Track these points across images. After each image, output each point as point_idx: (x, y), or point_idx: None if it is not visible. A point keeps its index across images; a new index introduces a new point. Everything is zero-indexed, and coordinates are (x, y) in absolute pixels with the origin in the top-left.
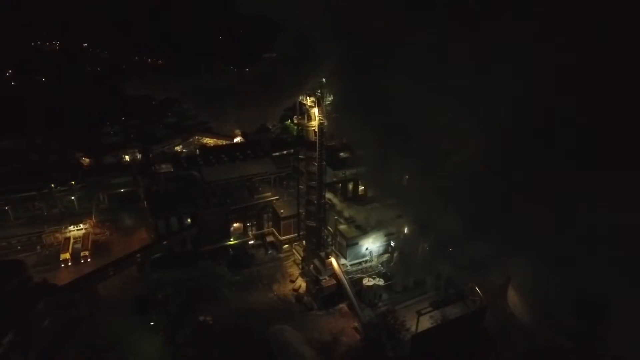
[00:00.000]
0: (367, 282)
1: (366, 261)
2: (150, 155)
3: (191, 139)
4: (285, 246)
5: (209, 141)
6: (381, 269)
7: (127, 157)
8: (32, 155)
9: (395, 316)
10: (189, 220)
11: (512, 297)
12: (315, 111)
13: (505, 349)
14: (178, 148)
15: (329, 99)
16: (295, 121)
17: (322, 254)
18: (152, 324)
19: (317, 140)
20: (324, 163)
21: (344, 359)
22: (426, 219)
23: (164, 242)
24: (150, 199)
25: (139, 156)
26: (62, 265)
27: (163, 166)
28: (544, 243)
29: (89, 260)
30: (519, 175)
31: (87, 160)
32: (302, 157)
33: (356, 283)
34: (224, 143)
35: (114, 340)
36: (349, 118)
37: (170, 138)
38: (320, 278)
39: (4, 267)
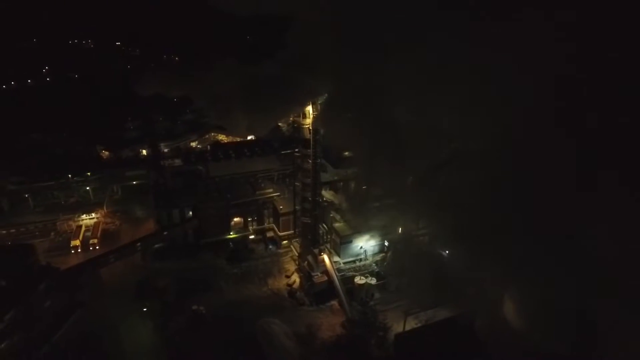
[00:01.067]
0: (359, 280)
1: (360, 260)
2: (166, 150)
3: (207, 136)
4: (285, 242)
5: (224, 138)
6: (375, 268)
7: (144, 152)
8: (57, 147)
9: (376, 314)
10: (191, 212)
11: (506, 301)
12: (309, 109)
13: (497, 354)
14: (194, 144)
15: (322, 97)
16: (291, 119)
17: (316, 250)
18: (144, 309)
19: (312, 138)
20: (319, 160)
21: (327, 353)
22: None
23: (164, 233)
24: (156, 191)
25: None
26: (73, 251)
27: (176, 161)
28: (543, 262)
29: (97, 247)
30: (520, 193)
31: (107, 153)
32: (297, 154)
33: (348, 281)
34: (239, 140)
35: (111, 323)
36: (341, 118)
37: (187, 134)
38: (313, 274)
39: (14, 251)
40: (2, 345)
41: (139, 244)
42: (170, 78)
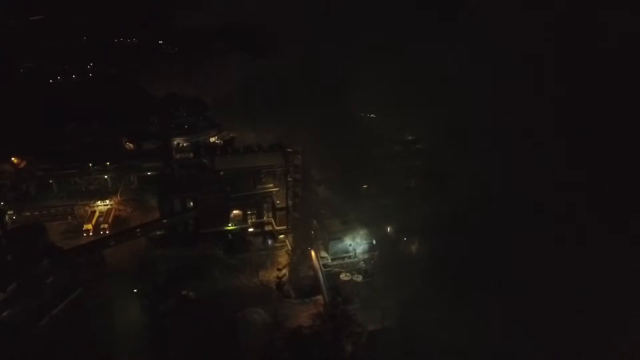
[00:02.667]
0: (344, 276)
1: (349, 257)
2: (185, 144)
3: (225, 131)
4: (281, 236)
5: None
6: (362, 266)
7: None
8: (87, 138)
9: (344, 311)
10: (192, 203)
11: None
12: None
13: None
14: (213, 139)
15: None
16: None
17: (304, 245)
18: (135, 290)
19: None
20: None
21: (294, 343)
22: None
23: (164, 221)
24: (162, 181)
25: (177, 144)
26: (84, 235)
27: (191, 154)
28: None
29: (107, 232)
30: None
31: (131, 145)
32: (289, 150)
33: (335, 277)
34: None
35: (107, 302)
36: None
37: (207, 129)
38: (299, 268)
39: (25, 230)
40: (4, 314)
41: (138, 230)
42: (178, 80)
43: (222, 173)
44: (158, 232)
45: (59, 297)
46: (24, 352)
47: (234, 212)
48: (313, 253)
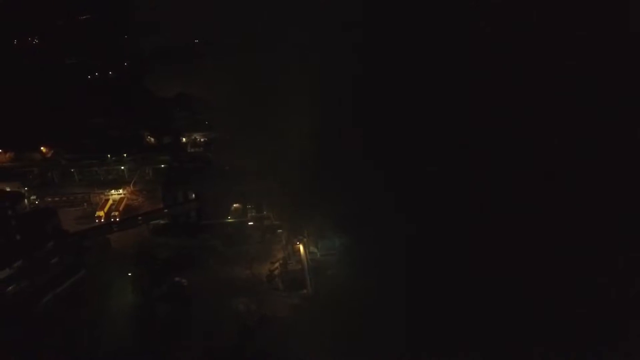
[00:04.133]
0: (330, 273)
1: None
2: (202, 140)
3: None
4: (279, 231)
5: None
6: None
7: (183, 139)
8: (111, 131)
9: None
10: (194, 195)
11: None
12: None
13: None
14: None
15: None
16: None
17: (295, 239)
18: (129, 274)
19: None
20: None
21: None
22: None
23: (165, 211)
24: (168, 173)
25: (195, 138)
26: (96, 221)
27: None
28: None
29: (117, 219)
30: None
31: (152, 139)
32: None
33: (323, 272)
34: None
35: (103, 286)
36: None
37: None
38: (289, 262)
39: (37, 213)
40: (9, 289)
41: (140, 217)
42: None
43: (227, 168)
44: (162, 222)
45: (63, 277)
46: (26, 324)
47: (235, 205)
48: (301, 248)
